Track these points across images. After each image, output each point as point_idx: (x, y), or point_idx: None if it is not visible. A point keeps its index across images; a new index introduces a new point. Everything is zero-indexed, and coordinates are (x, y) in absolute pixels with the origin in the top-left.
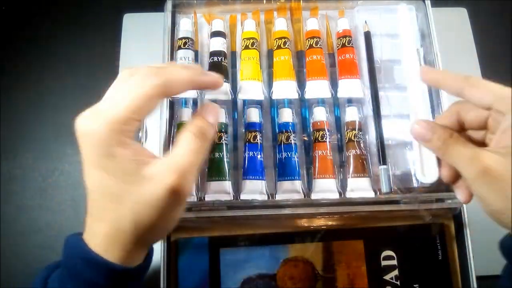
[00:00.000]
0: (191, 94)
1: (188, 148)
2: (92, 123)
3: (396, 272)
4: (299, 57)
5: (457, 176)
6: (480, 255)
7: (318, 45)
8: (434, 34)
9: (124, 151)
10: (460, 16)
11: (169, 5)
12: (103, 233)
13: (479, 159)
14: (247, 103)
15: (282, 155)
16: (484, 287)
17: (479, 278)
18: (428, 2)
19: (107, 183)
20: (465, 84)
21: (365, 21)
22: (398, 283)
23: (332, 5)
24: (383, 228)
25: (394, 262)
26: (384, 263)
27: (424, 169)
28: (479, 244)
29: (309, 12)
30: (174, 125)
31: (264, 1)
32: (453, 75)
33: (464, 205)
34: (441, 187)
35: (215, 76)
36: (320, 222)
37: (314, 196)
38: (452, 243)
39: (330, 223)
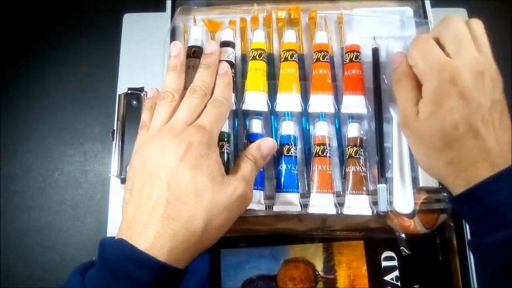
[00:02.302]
0: None
1: (251, 169)
2: (198, 132)
3: (396, 273)
4: (298, 61)
5: None
6: None
7: (325, 59)
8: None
9: (216, 156)
10: None
11: (168, 9)
12: (168, 233)
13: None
14: (249, 113)
15: (281, 166)
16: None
17: None
18: (428, 2)
19: (198, 179)
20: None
21: (374, 37)
22: (399, 283)
23: (330, 5)
24: (384, 229)
25: (395, 262)
26: (384, 263)
27: (403, 201)
28: None
29: (308, 16)
30: None
31: (265, 11)
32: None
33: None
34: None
35: None
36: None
37: (311, 210)
38: (453, 244)
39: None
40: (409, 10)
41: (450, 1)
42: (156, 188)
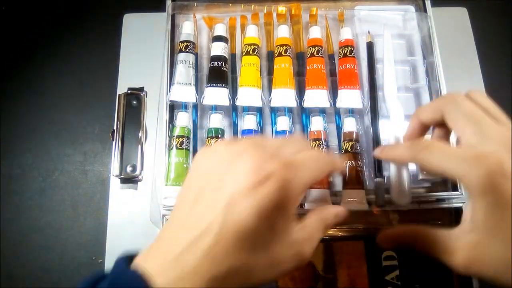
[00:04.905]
0: (190, 98)
1: (316, 237)
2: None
3: (397, 272)
4: (299, 58)
5: None
6: None
7: (320, 54)
8: (434, 36)
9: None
10: (460, 16)
11: (169, 8)
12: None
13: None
14: (246, 109)
15: None
16: (485, 287)
17: (480, 278)
18: (428, 2)
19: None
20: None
21: (368, 31)
22: (399, 283)
23: (331, 5)
24: (384, 229)
25: (395, 262)
26: (385, 263)
27: (400, 192)
28: None
29: (309, 14)
30: (172, 127)
31: (265, 8)
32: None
33: (464, 205)
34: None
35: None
36: None
37: (307, 206)
38: None
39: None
40: (410, 9)
41: (450, 1)
42: None
